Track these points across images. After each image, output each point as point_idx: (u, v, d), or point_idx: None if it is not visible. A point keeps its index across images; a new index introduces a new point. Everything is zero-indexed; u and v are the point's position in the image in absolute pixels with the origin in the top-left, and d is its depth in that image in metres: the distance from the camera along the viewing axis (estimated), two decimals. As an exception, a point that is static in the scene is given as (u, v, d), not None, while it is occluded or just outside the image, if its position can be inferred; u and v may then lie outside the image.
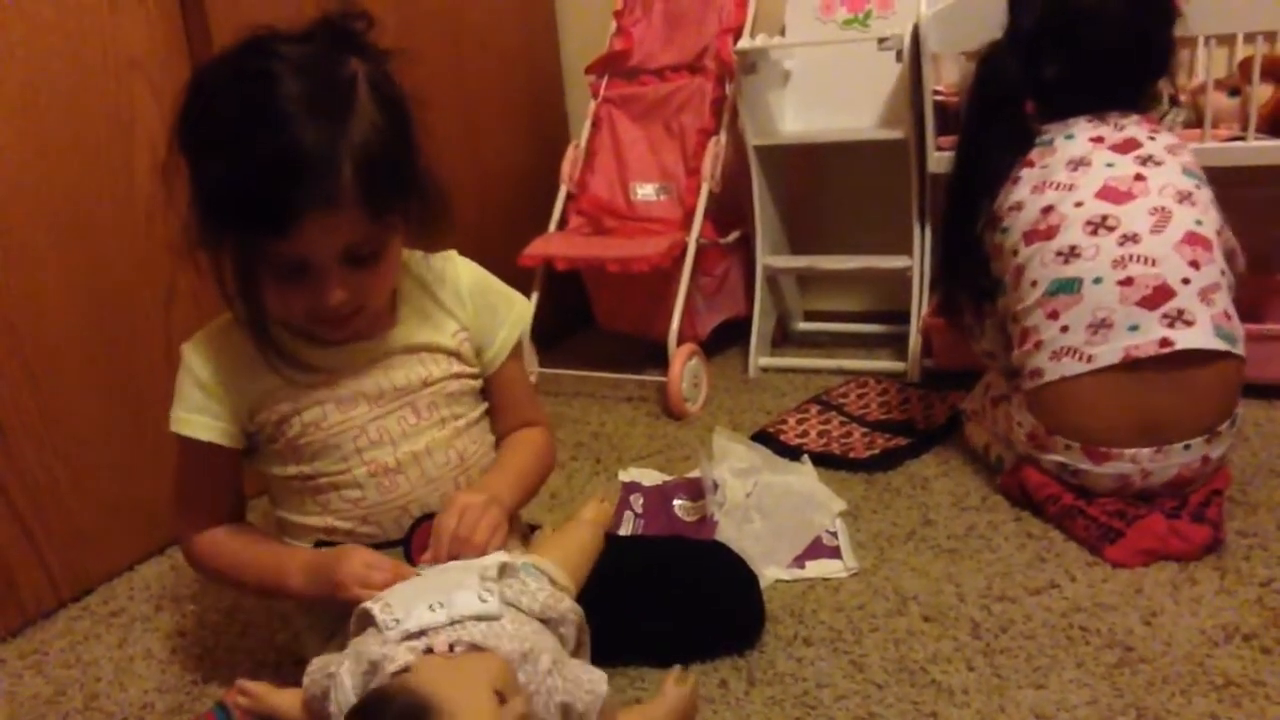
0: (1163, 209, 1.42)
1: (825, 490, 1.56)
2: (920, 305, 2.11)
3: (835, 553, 1.42)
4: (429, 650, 0.87)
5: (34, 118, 1.40)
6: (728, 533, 1.42)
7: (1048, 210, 1.46)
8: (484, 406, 1.22)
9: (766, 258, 2.26)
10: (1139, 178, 1.44)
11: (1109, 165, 1.46)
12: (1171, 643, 1.17)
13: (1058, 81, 1.52)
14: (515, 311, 1.22)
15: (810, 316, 2.51)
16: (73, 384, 1.47)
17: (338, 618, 1.11)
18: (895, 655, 1.19)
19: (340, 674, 0.89)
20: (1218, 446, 1.40)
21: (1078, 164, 1.47)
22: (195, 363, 1.09)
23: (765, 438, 1.80)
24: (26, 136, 1.40)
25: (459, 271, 1.20)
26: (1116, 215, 1.42)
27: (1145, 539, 1.34)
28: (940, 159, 1.97)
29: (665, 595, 1.20)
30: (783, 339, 2.44)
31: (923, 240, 2.12)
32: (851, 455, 1.73)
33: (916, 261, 2.11)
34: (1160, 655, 1.14)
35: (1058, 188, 1.47)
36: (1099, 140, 1.49)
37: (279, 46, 0.98)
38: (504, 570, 0.97)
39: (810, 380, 2.15)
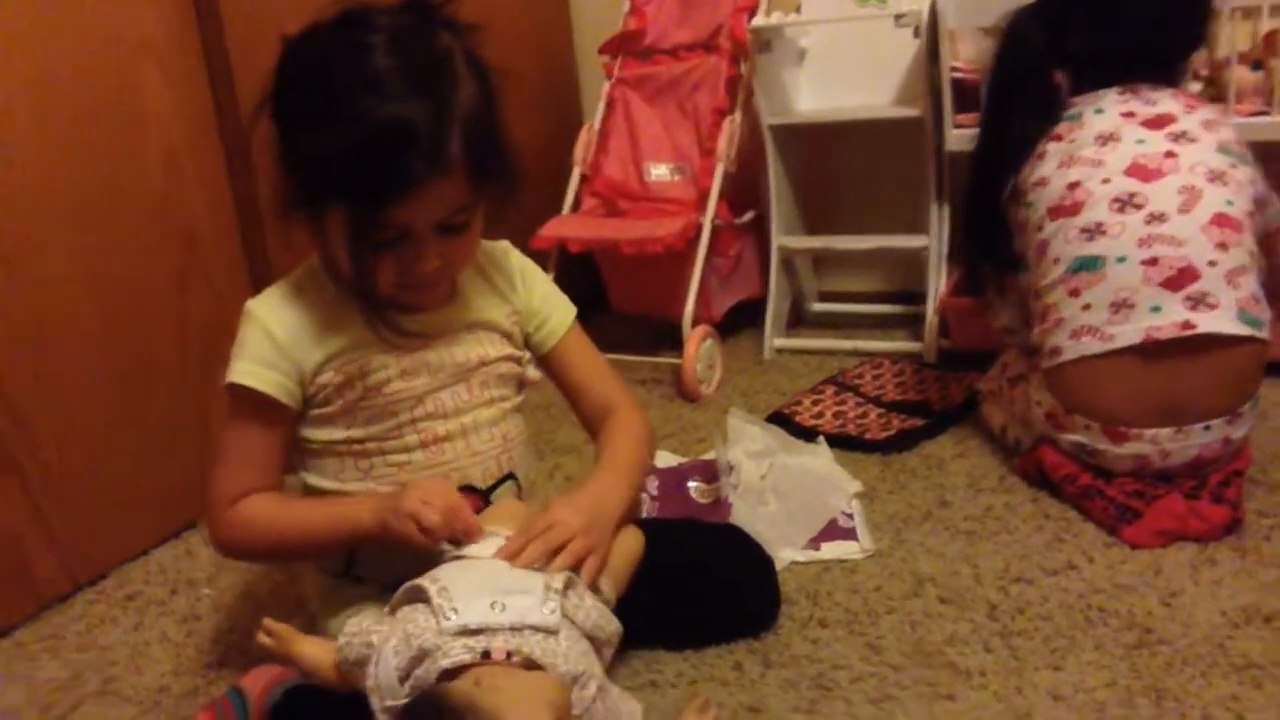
0: (1192, 188, 1.38)
1: (841, 472, 1.55)
2: (937, 285, 2.09)
3: (851, 534, 1.41)
4: (486, 653, 0.85)
5: (44, 101, 1.40)
6: (743, 515, 1.42)
7: (1074, 186, 1.43)
8: (523, 396, 1.24)
9: (781, 238, 2.24)
10: (1169, 155, 1.41)
11: (1139, 141, 1.43)
12: (1191, 624, 1.15)
13: (1086, 52, 1.49)
14: (565, 302, 1.26)
15: (825, 297, 2.50)
16: (87, 370, 1.47)
17: (355, 599, 1.11)
18: (912, 637, 1.18)
19: (384, 650, 0.87)
20: (1239, 428, 1.39)
21: (1106, 139, 1.44)
22: (268, 317, 1.09)
23: (780, 419, 1.79)
24: (36, 120, 1.39)
25: (513, 259, 1.23)
26: (1144, 193, 1.39)
27: (1163, 519, 1.33)
28: (958, 137, 1.95)
29: (680, 578, 1.19)
30: (798, 320, 2.42)
31: (940, 219, 2.10)
32: (867, 436, 1.72)
33: (933, 241, 2.09)
34: (1179, 637, 1.13)
35: (1085, 163, 1.44)
36: (1130, 115, 1.45)
37: (375, 19, 1.00)
38: (568, 584, 0.95)
39: (825, 361, 2.14)
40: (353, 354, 1.09)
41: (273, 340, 1.08)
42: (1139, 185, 1.40)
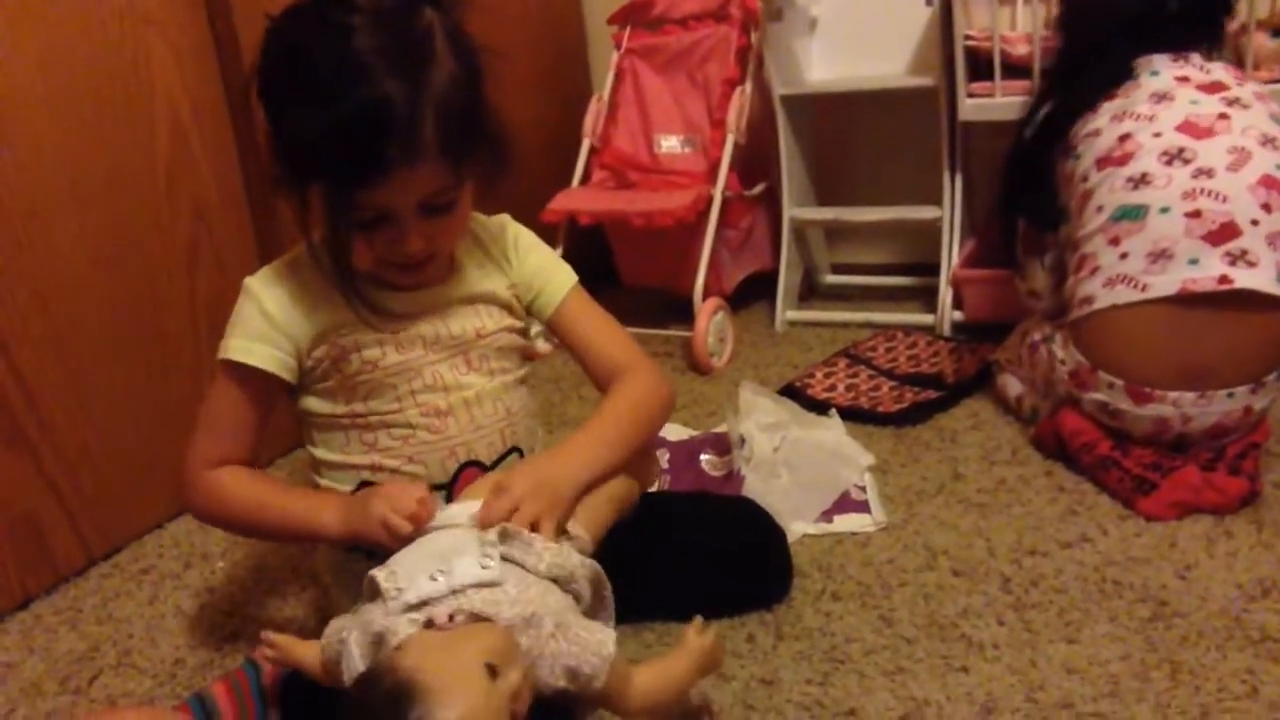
0: (1243, 149, 1.39)
1: (854, 444, 1.55)
2: (950, 257, 2.07)
3: (864, 507, 1.41)
4: (429, 622, 0.86)
5: (52, 78, 1.39)
6: (755, 488, 1.41)
7: (1125, 138, 1.44)
8: (527, 368, 1.23)
9: (793, 210, 2.23)
10: (1223, 116, 1.42)
11: (1193, 102, 1.44)
12: (1206, 597, 1.15)
13: (1176, 14, 1.50)
14: (565, 270, 1.24)
15: (838, 269, 2.48)
16: (99, 346, 1.48)
17: (366, 573, 1.11)
18: (925, 610, 1.18)
19: (349, 643, 0.89)
20: (1262, 398, 1.38)
21: (1161, 98, 1.45)
22: (262, 293, 1.09)
23: (792, 392, 1.79)
24: (45, 98, 1.39)
25: (510, 231, 1.22)
26: (1194, 149, 1.39)
27: (1179, 491, 1.32)
28: (972, 107, 1.92)
29: (692, 550, 1.19)
30: (809, 292, 2.41)
31: (953, 190, 2.08)
32: (880, 409, 1.71)
33: (946, 212, 2.08)
34: (1195, 609, 1.13)
35: (1137, 118, 1.44)
36: (1185, 79, 1.46)
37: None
38: (505, 534, 0.95)
39: (838, 334, 2.13)
40: (346, 329, 1.09)
41: (266, 316, 1.08)
42: (1190, 141, 1.40)
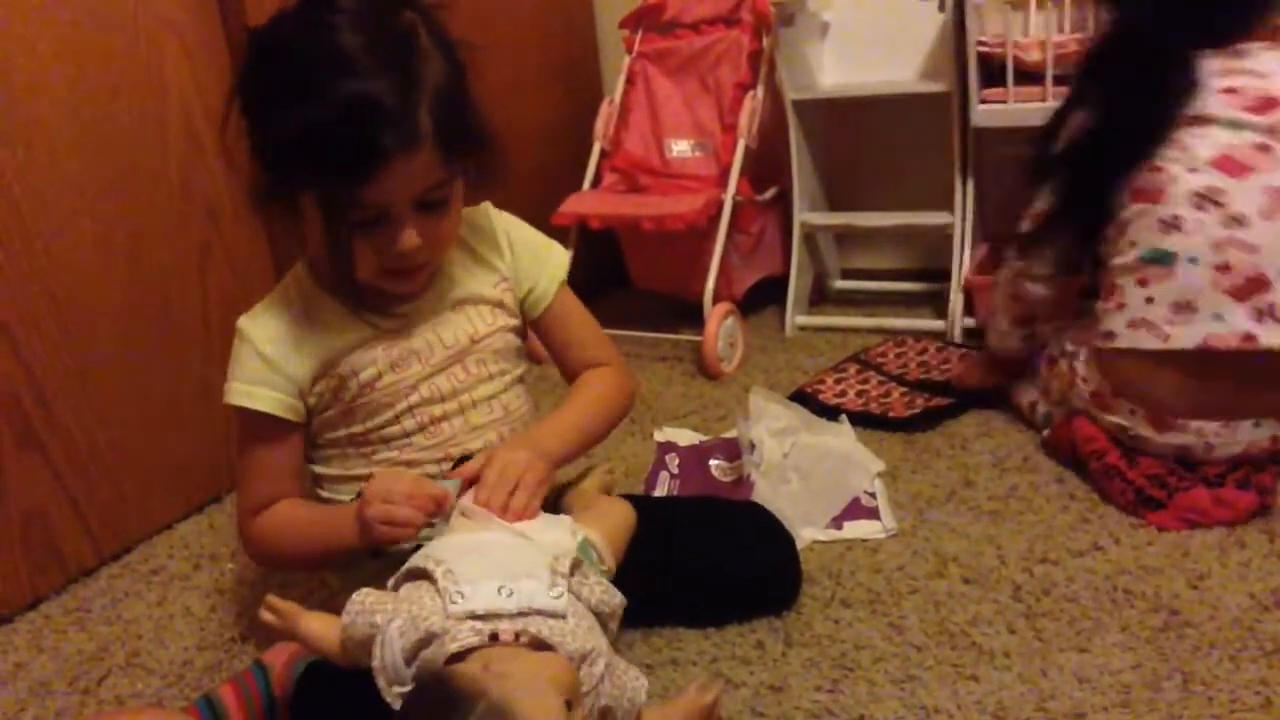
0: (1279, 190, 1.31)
1: (864, 451, 1.54)
2: (962, 262, 2.06)
3: (874, 514, 1.40)
4: (494, 635, 0.84)
5: (66, 77, 1.40)
6: (764, 493, 1.41)
7: (1157, 170, 1.36)
8: (524, 366, 1.23)
9: (804, 215, 2.22)
10: (1263, 148, 1.32)
11: (1234, 127, 1.33)
12: (1219, 607, 1.14)
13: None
14: (556, 255, 1.24)
15: (848, 275, 2.48)
16: (110, 346, 1.48)
17: (373, 574, 1.11)
18: (935, 617, 1.18)
19: (390, 632, 0.87)
20: None
21: (1197, 120, 1.34)
22: (255, 335, 1.10)
23: (803, 397, 1.78)
24: (59, 99, 1.39)
25: (494, 222, 1.21)
26: (1228, 190, 1.31)
27: (1187, 513, 1.31)
28: (984, 113, 1.92)
29: (701, 556, 1.19)
30: (820, 298, 2.41)
31: (965, 196, 2.07)
32: (891, 414, 1.70)
33: (958, 218, 2.07)
34: (1207, 619, 1.12)
35: (1173, 144, 1.35)
36: (1232, 90, 1.34)
37: (336, 0, 0.99)
38: (575, 567, 0.94)
39: (848, 339, 2.12)
40: (342, 357, 1.10)
41: (263, 358, 1.09)
42: (1223, 179, 1.32)
